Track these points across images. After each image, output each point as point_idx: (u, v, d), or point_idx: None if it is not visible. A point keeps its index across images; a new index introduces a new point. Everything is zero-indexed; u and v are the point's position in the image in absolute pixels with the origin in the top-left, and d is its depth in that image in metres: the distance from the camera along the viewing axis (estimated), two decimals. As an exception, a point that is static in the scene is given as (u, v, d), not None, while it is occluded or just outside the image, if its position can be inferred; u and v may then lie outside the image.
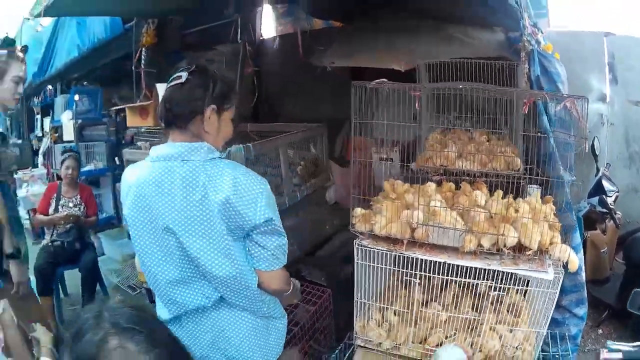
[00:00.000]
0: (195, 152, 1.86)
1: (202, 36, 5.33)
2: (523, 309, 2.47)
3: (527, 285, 2.30)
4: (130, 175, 1.98)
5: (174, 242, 1.88)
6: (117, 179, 7.37)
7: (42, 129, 9.08)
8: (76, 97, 7.27)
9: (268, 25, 5.90)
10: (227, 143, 2.32)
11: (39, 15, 3.40)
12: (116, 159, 7.38)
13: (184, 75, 1.86)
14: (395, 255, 2.35)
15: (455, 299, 2.53)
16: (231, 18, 5.28)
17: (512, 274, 2.22)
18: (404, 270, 2.32)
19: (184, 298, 1.95)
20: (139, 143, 3.43)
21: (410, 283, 2.49)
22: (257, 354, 2.08)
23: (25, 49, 3.07)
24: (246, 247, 1.95)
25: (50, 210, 5.05)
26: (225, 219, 1.83)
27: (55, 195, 5.12)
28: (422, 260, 2.29)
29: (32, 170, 8.21)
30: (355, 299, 2.53)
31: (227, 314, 2.01)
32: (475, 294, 2.50)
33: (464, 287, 2.49)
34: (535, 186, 2.70)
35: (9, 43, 3.00)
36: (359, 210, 2.53)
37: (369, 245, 2.38)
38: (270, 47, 5.02)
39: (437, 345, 2.38)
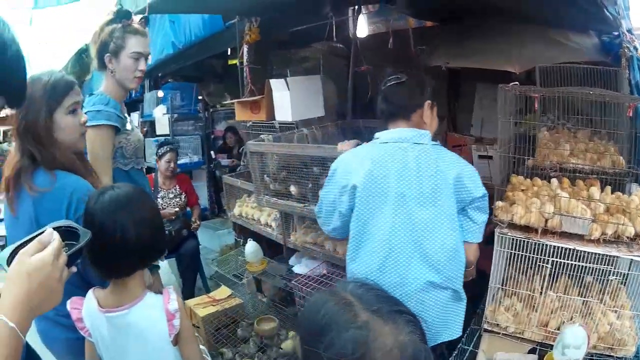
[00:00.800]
0: (424, 137, 2.28)
1: (295, 35, 5.49)
2: (625, 299, 2.58)
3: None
4: (358, 154, 2.33)
5: (404, 211, 2.21)
6: (211, 172, 7.64)
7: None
8: (160, 93, 7.55)
9: (360, 24, 6.03)
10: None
11: (142, 12, 3.20)
12: (212, 153, 7.60)
13: (403, 76, 2.29)
14: (528, 242, 2.48)
15: (565, 289, 2.65)
16: (327, 18, 5.45)
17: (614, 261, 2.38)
18: (538, 257, 2.46)
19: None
20: (262, 136, 3.55)
21: (538, 269, 2.66)
22: (445, 334, 2.38)
23: (145, 21, 2.92)
24: (459, 221, 2.30)
25: None
26: (455, 192, 2.21)
27: (152, 188, 5.25)
28: (551, 247, 2.42)
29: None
30: (490, 284, 2.67)
31: (428, 295, 2.26)
32: (581, 285, 2.61)
33: (572, 278, 2.62)
34: (636, 184, 2.82)
35: (124, 15, 2.72)
36: (500, 203, 2.67)
37: (509, 234, 2.52)
38: (364, 46, 5.10)
39: (557, 329, 2.49)
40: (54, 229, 1.40)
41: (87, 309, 1.96)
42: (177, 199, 5.37)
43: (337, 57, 6.01)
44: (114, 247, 1.81)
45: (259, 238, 4.32)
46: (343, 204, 2.32)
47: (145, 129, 8.24)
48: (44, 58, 8.03)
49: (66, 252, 1.39)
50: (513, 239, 2.51)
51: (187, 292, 5.04)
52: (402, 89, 2.30)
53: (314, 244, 3.57)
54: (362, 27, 5.38)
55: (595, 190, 2.66)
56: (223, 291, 4.44)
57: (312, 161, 3.10)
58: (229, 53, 7.20)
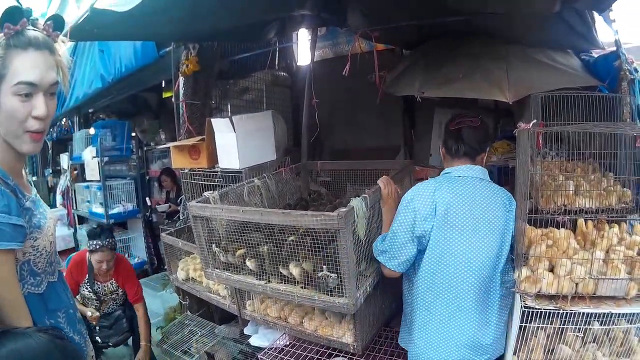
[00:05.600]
0: (486, 175, 2.51)
1: (235, 63, 4.95)
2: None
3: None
4: (432, 189, 2.38)
5: (495, 238, 2.34)
6: (147, 220, 6.93)
7: (54, 165, 8.67)
8: (91, 131, 6.86)
9: (305, 50, 5.59)
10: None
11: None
12: (147, 199, 6.90)
13: (476, 120, 2.49)
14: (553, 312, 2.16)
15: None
16: (271, 45, 4.94)
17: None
18: (570, 327, 2.21)
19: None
20: (206, 194, 2.81)
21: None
22: None
23: (52, 25, 1.71)
24: None
25: (79, 297, 4.16)
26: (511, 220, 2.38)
27: (86, 279, 4.14)
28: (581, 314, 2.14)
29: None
30: None
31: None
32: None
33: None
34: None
35: (10, 15, 1.60)
36: (525, 271, 2.24)
37: (536, 306, 2.16)
38: (309, 74, 4.55)
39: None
40: None
41: None
42: (114, 295, 4.30)
43: (280, 86, 5.53)
44: None
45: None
46: (422, 231, 2.35)
47: (75, 172, 7.52)
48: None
49: None
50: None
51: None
52: (475, 133, 2.47)
53: (277, 318, 3.00)
54: (307, 53, 4.90)
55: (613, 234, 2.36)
56: (174, 370, 3.77)
57: (276, 230, 2.58)
58: (163, 85, 6.61)
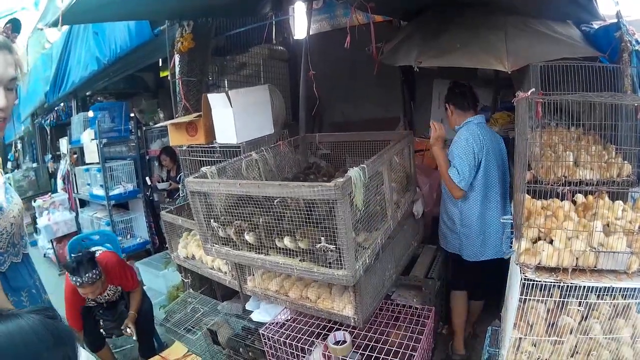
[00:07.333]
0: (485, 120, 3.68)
1: (232, 39, 4.92)
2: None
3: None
4: (476, 129, 3.49)
5: (500, 159, 3.59)
6: (148, 200, 6.90)
7: (54, 150, 8.61)
8: (90, 113, 6.81)
9: (302, 23, 5.52)
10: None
11: (55, 24, 2.92)
12: (147, 179, 6.87)
13: (466, 83, 3.65)
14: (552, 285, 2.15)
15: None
16: (266, 18, 4.88)
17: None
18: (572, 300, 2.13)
19: None
20: (203, 169, 2.79)
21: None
22: None
23: (11, 27, 1.91)
24: None
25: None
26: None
27: (88, 300, 3.95)
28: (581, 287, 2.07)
29: (52, 196, 7.79)
30: (512, 335, 2.26)
31: None
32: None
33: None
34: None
35: None
36: (524, 243, 2.21)
37: (536, 279, 2.11)
38: (309, 46, 4.50)
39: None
40: None
41: None
42: (117, 294, 4.15)
43: (277, 60, 5.51)
44: None
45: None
46: (478, 160, 3.45)
47: (75, 156, 7.50)
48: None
49: None
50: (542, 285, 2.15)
51: (147, 350, 4.19)
52: (471, 93, 3.61)
53: (277, 292, 3.01)
54: (304, 26, 4.84)
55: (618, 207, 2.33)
56: (177, 348, 3.70)
57: (274, 202, 2.54)
58: (160, 64, 6.56)
